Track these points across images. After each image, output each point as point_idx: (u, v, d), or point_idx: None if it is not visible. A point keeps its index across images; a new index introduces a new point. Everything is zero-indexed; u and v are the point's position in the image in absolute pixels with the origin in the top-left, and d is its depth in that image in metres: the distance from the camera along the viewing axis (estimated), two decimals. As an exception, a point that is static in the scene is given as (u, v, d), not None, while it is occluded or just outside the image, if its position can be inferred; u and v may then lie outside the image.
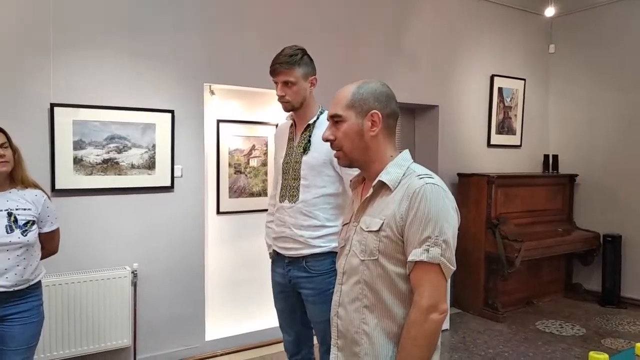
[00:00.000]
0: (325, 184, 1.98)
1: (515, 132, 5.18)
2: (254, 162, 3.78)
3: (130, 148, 3.09)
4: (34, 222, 2.02)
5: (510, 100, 5.10)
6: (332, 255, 1.94)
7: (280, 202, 2.06)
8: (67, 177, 2.90)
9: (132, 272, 3.06)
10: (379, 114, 1.32)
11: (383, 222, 1.27)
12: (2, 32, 2.74)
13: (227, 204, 3.68)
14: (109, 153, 3.03)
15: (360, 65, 4.00)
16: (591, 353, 1.16)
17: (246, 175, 3.76)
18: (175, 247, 3.28)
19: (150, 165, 3.16)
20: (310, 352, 2.22)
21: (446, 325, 4.04)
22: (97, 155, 2.99)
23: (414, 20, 4.39)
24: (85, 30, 2.95)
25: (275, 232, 2.09)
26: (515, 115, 5.16)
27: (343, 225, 1.48)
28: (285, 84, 1.97)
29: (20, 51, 2.78)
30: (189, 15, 3.27)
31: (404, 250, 1.25)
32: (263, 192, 3.78)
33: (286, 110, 2.06)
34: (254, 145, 3.78)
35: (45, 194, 2.13)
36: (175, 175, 3.25)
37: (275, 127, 3.64)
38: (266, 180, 3.81)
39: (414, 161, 1.36)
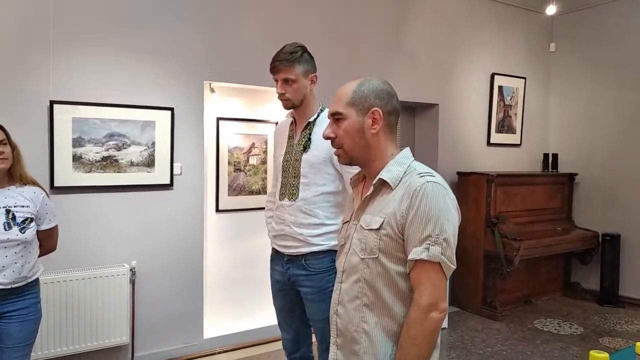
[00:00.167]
0: (325, 182, 1.97)
1: (515, 131, 5.18)
2: (253, 160, 3.77)
3: (129, 146, 3.08)
4: (32, 220, 2.01)
5: (510, 99, 5.09)
6: (331, 253, 1.94)
7: (280, 200, 2.05)
8: (66, 175, 2.90)
9: (131, 270, 3.06)
10: (380, 111, 1.32)
11: (383, 221, 1.26)
12: (1, 30, 2.73)
13: (226, 202, 3.67)
14: (108, 150, 3.02)
15: (361, 63, 4.00)
16: (592, 352, 1.16)
17: (246, 173, 3.75)
18: (174, 244, 3.27)
19: (149, 162, 3.15)
20: (309, 350, 2.22)
21: (444, 323, 4.04)
22: (97, 152, 2.98)
23: (414, 18, 4.38)
24: (85, 27, 2.94)
25: (275, 230, 2.09)
26: (515, 114, 5.16)
27: (343, 224, 1.48)
28: (286, 81, 1.96)
29: (20, 48, 2.77)
30: (189, 12, 3.26)
31: (404, 248, 1.24)
32: (262, 190, 3.78)
33: (286, 108, 2.05)
34: (253, 143, 3.77)
35: (44, 191, 2.12)
36: (174, 173, 3.24)
37: (275, 125, 3.63)
38: (266, 178, 3.80)
39: (414, 159, 1.36)
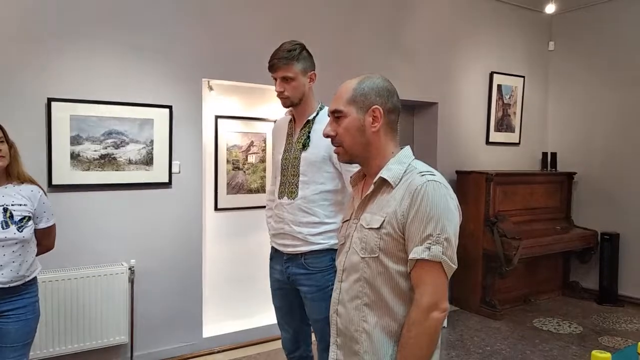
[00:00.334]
0: (325, 181, 1.96)
1: (514, 130, 5.18)
2: (252, 159, 3.76)
3: (127, 144, 3.06)
4: (29, 218, 2.00)
5: (509, 98, 5.09)
6: (331, 252, 1.93)
7: (279, 198, 2.04)
8: (64, 173, 2.88)
9: (129, 269, 3.05)
10: (381, 109, 1.31)
11: (384, 220, 1.25)
12: (-2, 26, 2.71)
13: (225, 200, 3.66)
14: (106, 148, 3.00)
15: (360, 62, 3.98)
16: (594, 352, 1.15)
17: (244, 172, 3.74)
18: (172, 243, 3.26)
19: (147, 161, 3.14)
20: (309, 349, 2.21)
21: (444, 322, 4.03)
22: (95, 150, 2.97)
23: (413, 17, 4.37)
24: (83, 24, 2.92)
25: (274, 229, 2.08)
26: (514, 113, 5.16)
27: (343, 222, 1.46)
28: (284, 79, 1.95)
29: (17, 46, 2.75)
30: (188, 9, 3.25)
31: (405, 248, 1.23)
32: (261, 189, 3.77)
33: (285, 106, 2.04)
34: (252, 142, 3.76)
35: (42, 189, 2.10)
36: (173, 171, 3.23)
37: (273, 123, 3.62)
38: (264, 176, 3.79)
39: (415, 158, 1.35)
